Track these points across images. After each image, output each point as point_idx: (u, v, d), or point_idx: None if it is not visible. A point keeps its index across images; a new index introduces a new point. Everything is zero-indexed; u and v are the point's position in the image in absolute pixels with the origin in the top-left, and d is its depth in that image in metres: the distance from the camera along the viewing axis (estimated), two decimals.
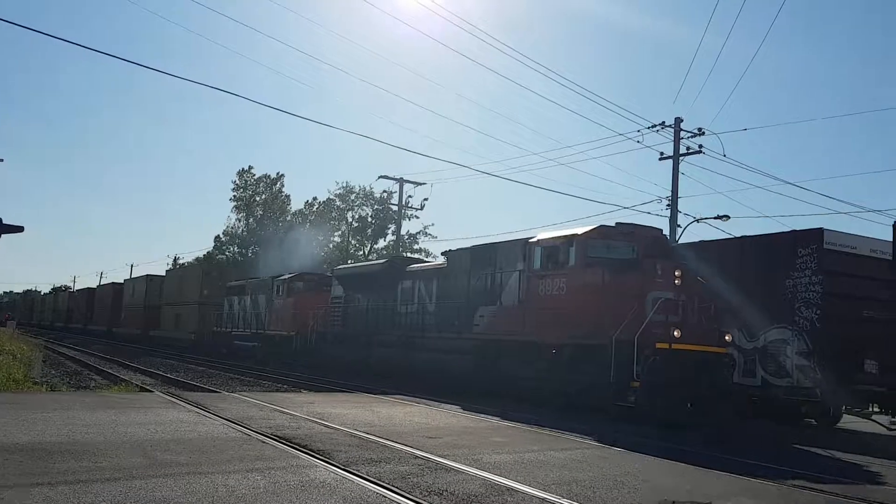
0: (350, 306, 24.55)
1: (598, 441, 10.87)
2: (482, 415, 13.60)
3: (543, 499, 6.73)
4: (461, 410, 14.28)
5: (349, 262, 50.97)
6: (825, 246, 14.72)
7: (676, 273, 13.81)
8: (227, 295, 36.58)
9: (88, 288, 74.30)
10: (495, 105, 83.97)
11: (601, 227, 15.17)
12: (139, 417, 10.71)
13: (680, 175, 26.91)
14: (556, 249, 15.44)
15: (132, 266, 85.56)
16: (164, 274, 52.75)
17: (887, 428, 13.60)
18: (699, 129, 26.63)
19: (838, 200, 57.13)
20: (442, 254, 20.82)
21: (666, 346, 12.88)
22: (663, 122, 26.90)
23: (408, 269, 22.32)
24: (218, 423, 10.67)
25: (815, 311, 14.48)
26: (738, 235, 19.24)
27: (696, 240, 24.76)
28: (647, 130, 27.01)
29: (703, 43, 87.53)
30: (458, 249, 19.92)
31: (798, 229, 16.08)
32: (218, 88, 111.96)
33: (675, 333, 12.97)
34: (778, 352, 14.98)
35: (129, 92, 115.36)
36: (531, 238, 16.32)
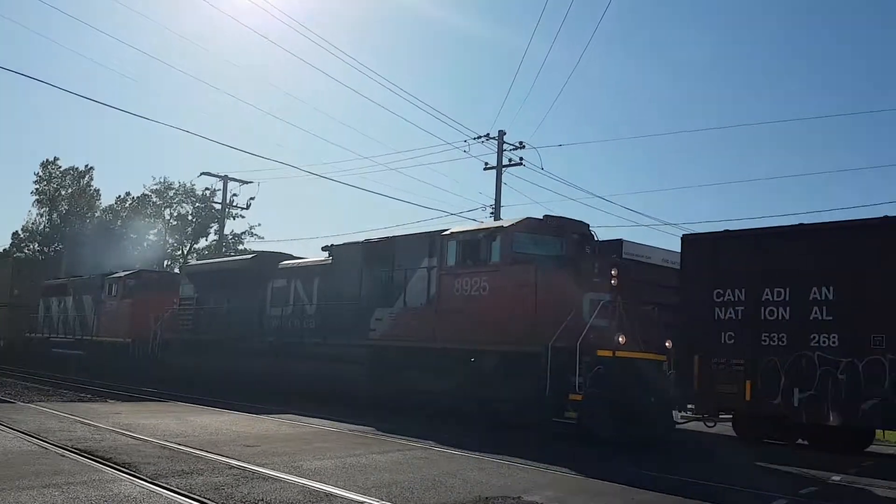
0: (204, 309, 21.49)
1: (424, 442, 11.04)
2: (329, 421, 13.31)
3: (361, 502, 6.77)
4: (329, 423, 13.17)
5: (166, 263, 48.44)
6: (623, 255, 16.20)
7: (614, 272, 12.57)
8: (45, 296, 32.35)
9: None
10: (328, 108, 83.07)
11: (528, 219, 13.57)
12: None
13: (503, 185, 28.06)
14: (476, 244, 13.64)
15: None
16: None
17: (705, 424, 13.63)
18: (520, 143, 27.99)
19: (640, 213, 62.00)
20: (323, 249, 18.46)
21: (609, 353, 11.65)
22: (488, 134, 27.99)
23: (280, 267, 19.60)
24: (10, 437, 9.89)
25: None
26: None
27: None
28: (474, 141, 27.98)
29: (531, 55, 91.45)
30: (346, 244, 17.75)
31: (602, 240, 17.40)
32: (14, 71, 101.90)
33: (620, 339, 11.78)
34: None
35: None
36: (444, 231, 14.48)
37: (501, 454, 9.84)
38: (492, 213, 28.29)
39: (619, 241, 16.50)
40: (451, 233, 14.26)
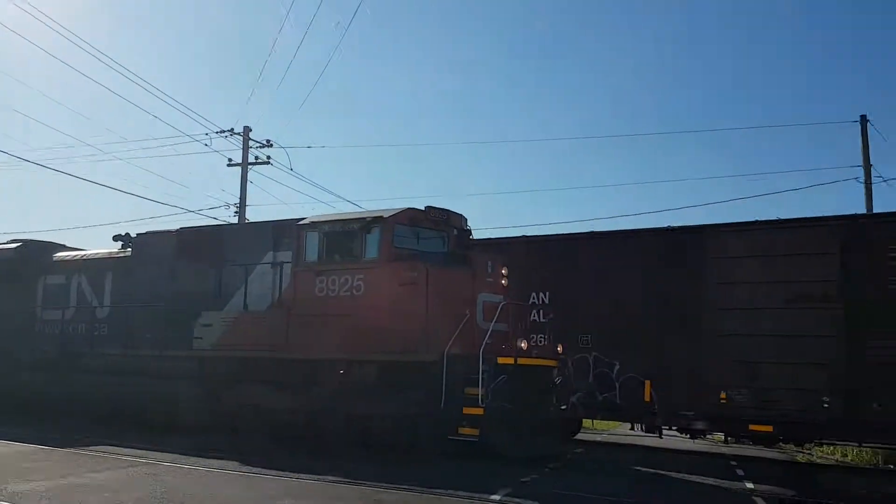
0: None
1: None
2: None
3: None
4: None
5: None
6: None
7: (504, 272, 11.49)
8: None
9: None
10: (42, 85, 71.58)
11: (410, 209, 11.68)
12: None
13: (249, 183, 27.02)
14: (346, 236, 11.54)
15: None
16: None
17: None
18: (268, 141, 27.09)
19: None
20: (115, 238, 15.08)
21: (511, 361, 10.42)
22: (232, 129, 26.74)
23: (56, 259, 15.84)
24: None
25: None
26: None
27: None
28: (216, 135, 26.51)
29: (284, 51, 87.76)
30: (151, 233, 14.64)
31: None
32: None
33: (523, 345, 10.68)
34: None
35: None
36: (301, 220, 12.13)
37: (240, 471, 9.42)
38: (236, 211, 27.18)
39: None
40: (312, 222, 11.93)
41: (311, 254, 11.79)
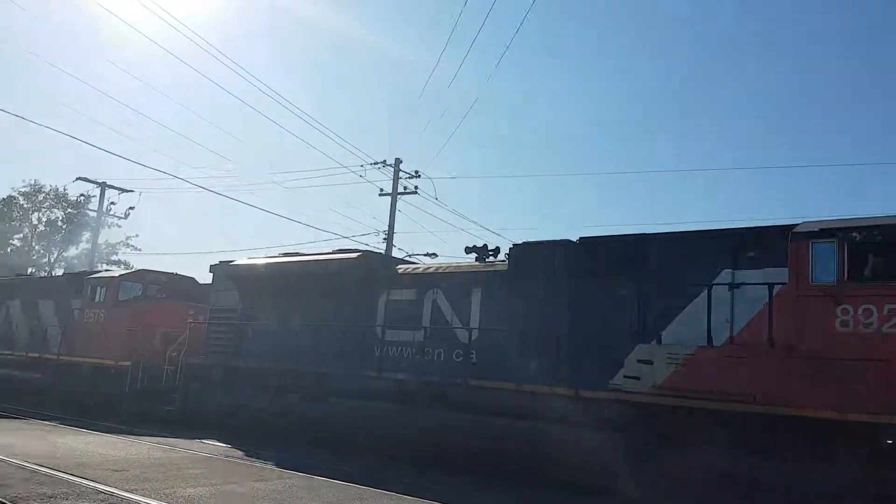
0: (256, 326, 15.42)
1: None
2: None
3: None
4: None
5: (30, 270, 45.42)
6: None
7: None
8: None
9: None
10: (218, 119, 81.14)
11: None
12: None
13: (397, 212, 28.33)
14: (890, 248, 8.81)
15: None
16: None
17: None
18: (416, 172, 28.33)
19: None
20: (468, 250, 13.41)
21: None
22: (385, 161, 28.23)
23: (401, 271, 13.80)
24: None
25: None
26: None
27: None
28: (370, 166, 28.15)
29: (435, 83, 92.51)
30: (533, 243, 11.94)
31: None
32: None
33: None
34: None
35: None
36: (799, 226, 9.22)
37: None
38: (384, 238, 28.49)
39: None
40: (824, 229, 8.97)
41: (824, 272, 8.69)
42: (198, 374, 16.22)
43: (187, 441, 13.38)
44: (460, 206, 68.65)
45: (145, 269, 20.86)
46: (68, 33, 73.84)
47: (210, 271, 17.41)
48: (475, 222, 68.34)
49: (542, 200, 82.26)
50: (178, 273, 20.91)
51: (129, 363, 17.58)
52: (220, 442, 13.53)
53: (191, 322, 17.33)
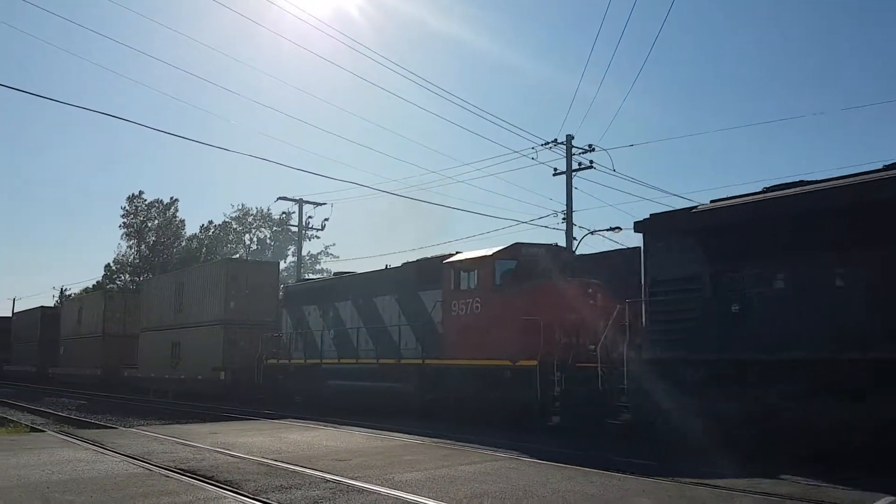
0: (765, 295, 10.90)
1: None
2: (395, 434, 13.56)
3: None
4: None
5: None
6: None
7: None
8: (292, 304, 24.35)
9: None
10: (392, 124, 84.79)
11: None
12: (32, 459, 10.25)
13: (574, 189, 27.85)
14: None
15: (14, 300, 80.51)
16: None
17: None
18: (590, 146, 27.72)
19: None
20: None
21: None
22: (556, 140, 27.82)
23: None
24: (117, 460, 10.32)
25: None
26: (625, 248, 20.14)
27: (591, 251, 25.72)
28: (541, 147, 27.89)
29: (588, 69, 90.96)
30: None
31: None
32: (99, 111, 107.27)
33: None
34: None
35: None
36: None
37: (588, 466, 9.72)
38: (563, 218, 28.13)
39: None
40: None
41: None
42: (664, 372, 11.82)
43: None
44: (642, 174, 66.63)
45: (519, 243, 16.79)
46: (253, 67, 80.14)
47: (639, 230, 12.89)
48: (660, 189, 65.35)
49: (731, 154, 77.45)
50: (556, 244, 18.53)
51: (534, 363, 14.23)
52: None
53: (620, 305, 13.12)
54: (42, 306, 50.00)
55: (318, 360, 21.56)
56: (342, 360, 20.68)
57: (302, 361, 22.36)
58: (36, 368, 44.69)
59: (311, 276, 46.04)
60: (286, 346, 23.89)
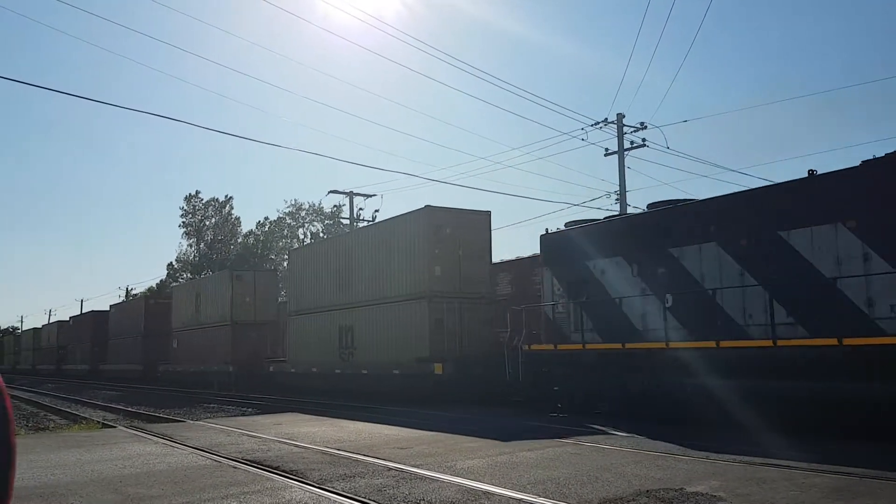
0: None
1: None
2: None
3: (520, 499, 6.78)
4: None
5: None
6: None
7: None
8: (562, 260, 16.21)
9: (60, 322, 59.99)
10: (439, 113, 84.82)
11: None
12: (105, 454, 10.54)
13: (626, 169, 27.42)
14: None
15: (82, 301, 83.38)
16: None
17: None
18: (641, 124, 27.23)
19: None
20: None
21: None
22: (606, 119, 27.40)
23: None
24: (186, 453, 10.54)
25: None
26: None
27: None
28: (591, 128, 27.52)
29: (634, 52, 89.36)
30: None
31: None
32: (154, 114, 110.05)
33: None
34: None
35: (53, 121, 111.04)
36: None
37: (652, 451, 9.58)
38: (617, 199, 27.74)
39: None
40: None
41: None
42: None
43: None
44: (696, 150, 65.07)
45: None
46: (297, 62, 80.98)
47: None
48: (715, 164, 63.88)
49: (789, 127, 75.16)
50: None
51: None
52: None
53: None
54: (147, 293, 47.99)
55: (662, 344, 13.08)
56: (721, 344, 12.09)
57: (619, 347, 13.91)
58: (143, 367, 39.16)
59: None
60: (556, 324, 16.09)
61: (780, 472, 7.89)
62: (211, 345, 31.59)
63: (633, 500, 6.65)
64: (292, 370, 26.07)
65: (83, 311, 63.25)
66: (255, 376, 28.25)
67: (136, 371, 39.75)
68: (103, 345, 46.38)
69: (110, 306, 49.20)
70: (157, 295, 49.22)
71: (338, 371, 23.05)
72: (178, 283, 55.19)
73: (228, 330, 30.17)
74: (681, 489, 7.04)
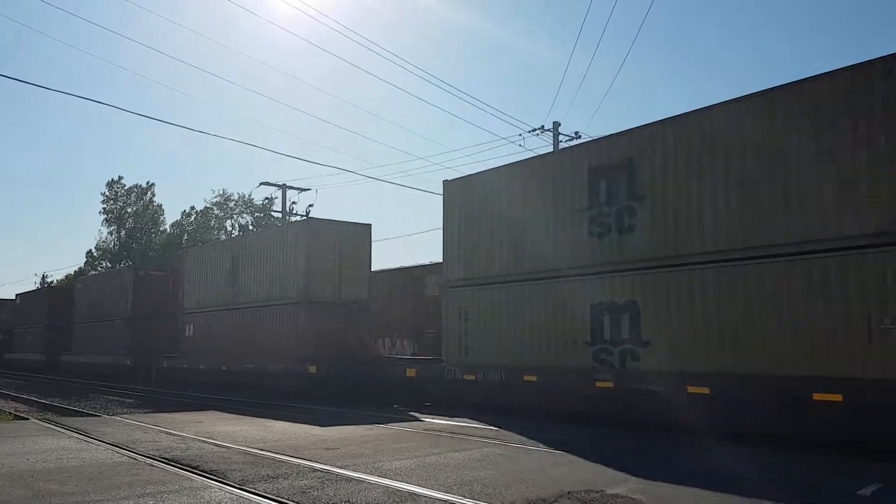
0: None
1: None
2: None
3: (446, 500, 6.87)
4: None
5: None
6: None
7: None
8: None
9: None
10: (376, 109, 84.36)
11: None
12: (17, 447, 10.20)
13: None
14: None
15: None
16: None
17: None
18: (576, 133, 27.86)
19: None
20: None
21: None
22: (542, 126, 27.93)
23: None
24: (102, 449, 10.28)
25: None
26: None
27: None
28: (528, 134, 27.94)
29: (575, 50, 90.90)
30: None
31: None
32: (74, 95, 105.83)
33: None
34: None
35: None
36: None
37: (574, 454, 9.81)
38: None
39: None
40: None
41: None
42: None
43: None
44: None
45: None
46: (225, 46, 79.34)
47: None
48: None
49: None
50: None
51: None
52: None
53: None
54: (50, 285, 47.13)
55: None
56: None
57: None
58: (45, 356, 39.46)
59: None
60: None
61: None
62: (111, 337, 32.54)
63: (556, 501, 6.83)
64: (184, 366, 26.76)
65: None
66: (150, 370, 29.13)
67: (38, 361, 40.24)
68: (9, 333, 46.79)
69: (16, 295, 48.88)
70: (63, 286, 48.73)
71: (224, 368, 23.86)
72: (85, 276, 53.14)
73: (126, 324, 31.32)
74: (601, 491, 7.26)
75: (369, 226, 22.37)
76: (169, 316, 29.58)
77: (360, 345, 21.24)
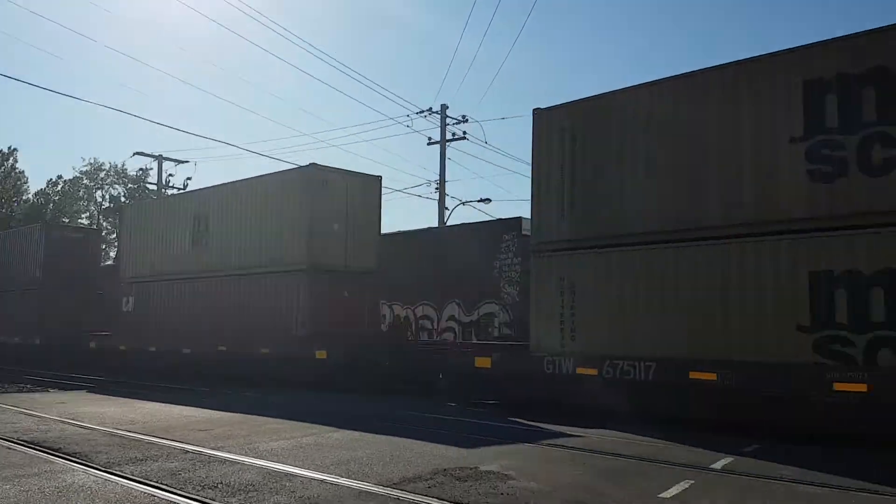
0: None
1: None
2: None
3: (322, 480, 6.88)
4: None
5: (103, 247, 46.84)
6: (523, 232, 17.35)
7: None
8: None
9: None
10: (262, 83, 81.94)
11: None
12: None
13: (447, 160, 28.09)
14: None
15: None
16: None
17: None
18: (463, 117, 28.15)
19: None
20: None
21: None
22: (430, 109, 28.00)
23: None
24: None
25: (516, 288, 17.92)
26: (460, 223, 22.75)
27: (460, 221, 25.40)
28: (416, 116, 28.00)
29: (466, 33, 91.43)
30: None
31: (503, 218, 19.53)
32: None
33: None
34: (488, 323, 18.65)
35: None
36: None
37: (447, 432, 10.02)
38: (436, 188, 28.46)
39: (518, 219, 18.38)
40: None
41: None
42: None
43: None
44: (515, 148, 67.96)
45: None
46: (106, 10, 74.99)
47: None
48: (526, 162, 67.00)
49: None
50: None
51: None
52: None
53: None
54: None
55: None
56: None
57: None
58: None
59: None
60: None
61: (566, 452, 8.60)
62: (17, 312, 27.25)
63: (431, 478, 6.96)
64: (122, 347, 22.15)
65: None
66: (70, 352, 24.44)
67: None
68: None
69: None
70: None
71: (186, 351, 19.65)
72: None
73: (35, 296, 26.20)
74: (475, 468, 7.46)
75: (380, 178, 18.52)
76: (90, 286, 25.60)
77: (375, 323, 18.30)
